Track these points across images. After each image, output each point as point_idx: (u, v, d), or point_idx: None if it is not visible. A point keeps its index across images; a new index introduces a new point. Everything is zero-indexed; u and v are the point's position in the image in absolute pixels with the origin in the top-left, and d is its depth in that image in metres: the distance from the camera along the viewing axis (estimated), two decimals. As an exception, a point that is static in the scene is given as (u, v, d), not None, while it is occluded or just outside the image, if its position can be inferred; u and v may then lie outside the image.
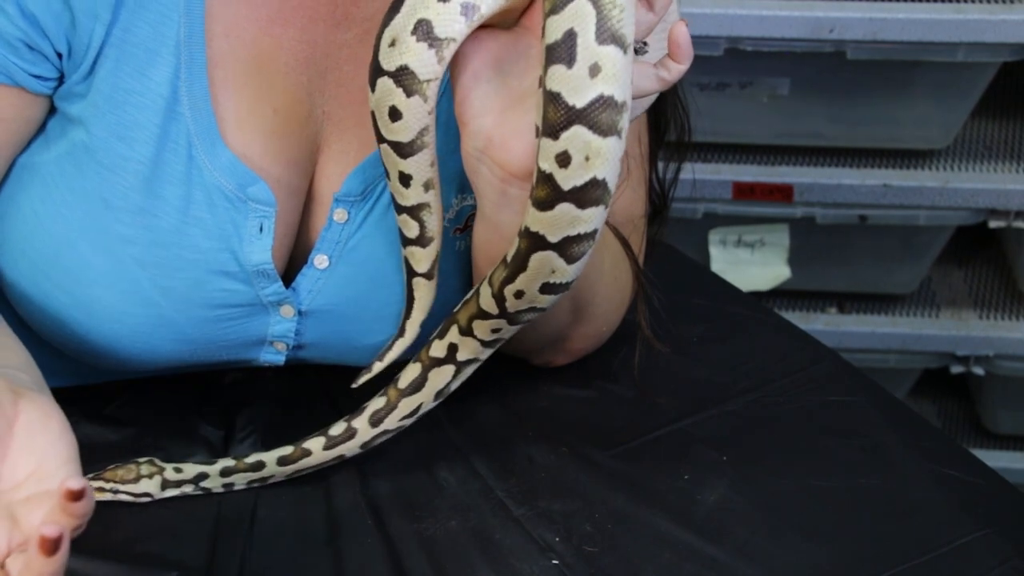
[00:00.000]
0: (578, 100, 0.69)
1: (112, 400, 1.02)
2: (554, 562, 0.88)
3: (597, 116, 0.70)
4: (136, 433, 0.99)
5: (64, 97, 0.90)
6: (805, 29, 1.68)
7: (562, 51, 0.68)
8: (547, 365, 1.05)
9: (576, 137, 0.70)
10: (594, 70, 0.69)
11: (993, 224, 1.80)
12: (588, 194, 0.72)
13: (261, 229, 0.91)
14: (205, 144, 0.89)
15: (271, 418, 1.02)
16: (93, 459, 0.91)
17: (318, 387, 1.06)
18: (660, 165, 1.07)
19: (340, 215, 0.94)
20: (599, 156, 0.71)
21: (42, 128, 0.92)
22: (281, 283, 0.94)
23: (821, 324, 1.88)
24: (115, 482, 0.91)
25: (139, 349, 0.93)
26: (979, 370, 1.89)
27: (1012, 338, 1.87)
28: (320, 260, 0.94)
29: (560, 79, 0.69)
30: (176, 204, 0.90)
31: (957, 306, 1.92)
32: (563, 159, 0.71)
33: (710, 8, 1.67)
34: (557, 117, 0.70)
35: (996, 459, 1.91)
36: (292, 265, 0.96)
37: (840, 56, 1.69)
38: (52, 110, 0.92)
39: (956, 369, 1.90)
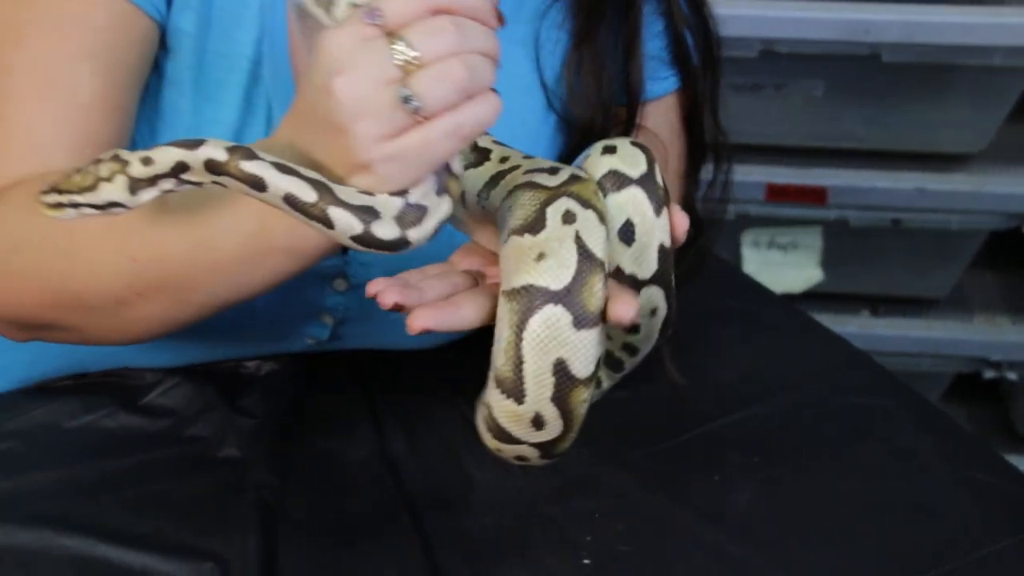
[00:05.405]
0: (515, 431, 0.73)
1: (148, 391, 1.03)
2: (586, 561, 0.88)
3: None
4: (172, 423, 1.00)
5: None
6: (840, 31, 1.67)
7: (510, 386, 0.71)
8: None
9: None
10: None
11: (1027, 229, 1.79)
12: None
13: None
14: (282, 108, 0.91)
15: (303, 407, 1.03)
16: (130, 449, 0.92)
17: (351, 376, 1.07)
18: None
19: None
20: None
21: None
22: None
23: (854, 327, 1.87)
24: (71, 192, 0.71)
25: None
26: (1012, 375, 1.88)
27: (1045, 344, 1.86)
28: None
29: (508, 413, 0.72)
30: None
31: (990, 311, 1.91)
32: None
33: (745, 9, 1.67)
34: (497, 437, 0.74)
35: (1028, 465, 1.90)
36: None
37: (875, 59, 1.69)
38: None
39: (989, 374, 1.89)
